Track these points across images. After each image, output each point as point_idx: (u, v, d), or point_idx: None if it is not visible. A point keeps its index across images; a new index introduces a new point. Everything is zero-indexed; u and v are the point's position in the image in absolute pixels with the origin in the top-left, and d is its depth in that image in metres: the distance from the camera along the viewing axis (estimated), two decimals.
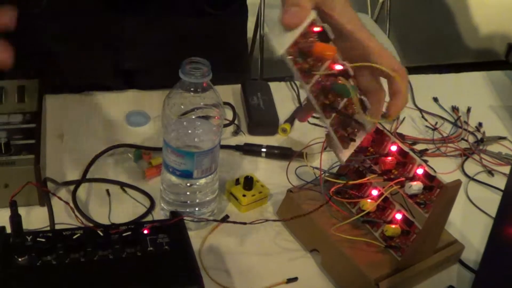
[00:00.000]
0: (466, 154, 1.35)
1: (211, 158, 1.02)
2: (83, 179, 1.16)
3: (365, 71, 0.94)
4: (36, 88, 1.25)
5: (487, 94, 1.61)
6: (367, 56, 0.92)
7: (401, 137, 1.35)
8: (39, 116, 1.18)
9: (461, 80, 1.68)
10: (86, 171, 1.17)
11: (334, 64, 0.90)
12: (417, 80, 1.60)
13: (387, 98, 0.97)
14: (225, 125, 1.31)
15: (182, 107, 0.98)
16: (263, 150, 1.25)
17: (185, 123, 0.99)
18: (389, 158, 1.00)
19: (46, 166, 1.18)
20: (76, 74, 1.39)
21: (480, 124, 1.45)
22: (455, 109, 1.49)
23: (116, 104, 1.36)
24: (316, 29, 0.89)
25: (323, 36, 0.89)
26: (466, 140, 1.40)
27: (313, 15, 0.88)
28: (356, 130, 0.97)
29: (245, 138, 1.30)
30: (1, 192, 1.06)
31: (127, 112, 1.33)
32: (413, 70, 2.92)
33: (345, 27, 0.92)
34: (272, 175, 1.21)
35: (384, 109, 0.96)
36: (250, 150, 1.26)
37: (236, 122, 1.33)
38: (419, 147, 1.35)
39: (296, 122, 1.35)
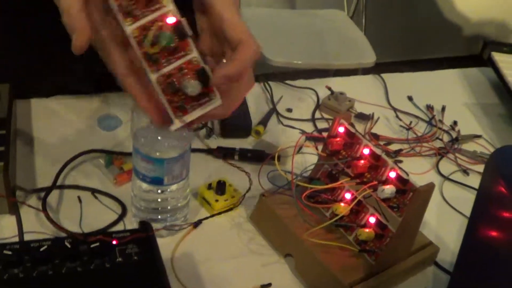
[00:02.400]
0: (440, 154, 1.35)
1: (181, 164, 1.01)
2: (54, 186, 1.14)
3: (214, 40, 0.91)
4: (6, 93, 1.23)
5: (462, 92, 1.62)
6: (221, 26, 0.87)
7: (375, 137, 1.35)
8: (9, 122, 1.16)
9: (436, 78, 1.69)
10: (56, 178, 1.15)
11: (166, 16, 0.82)
12: (391, 78, 1.60)
13: None
14: (198, 128, 1.30)
15: None
16: (236, 153, 1.24)
17: (154, 129, 0.97)
18: (362, 161, 0.99)
19: (16, 173, 1.16)
20: (46, 78, 1.37)
21: (455, 123, 1.45)
22: (429, 107, 1.49)
23: (87, 108, 1.35)
24: None
25: None
26: (441, 139, 1.40)
27: None
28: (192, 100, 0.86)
29: (218, 141, 1.29)
30: None
31: (99, 116, 1.31)
32: (390, 65, 2.93)
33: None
34: (245, 179, 1.20)
35: None
36: (223, 153, 1.25)
37: (209, 125, 1.32)
38: (393, 147, 1.34)
39: (270, 124, 1.34)
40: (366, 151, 1.00)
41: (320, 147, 1.11)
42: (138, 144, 0.99)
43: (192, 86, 0.84)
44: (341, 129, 1.03)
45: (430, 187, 0.94)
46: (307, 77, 1.55)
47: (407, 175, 0.95)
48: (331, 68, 2.90)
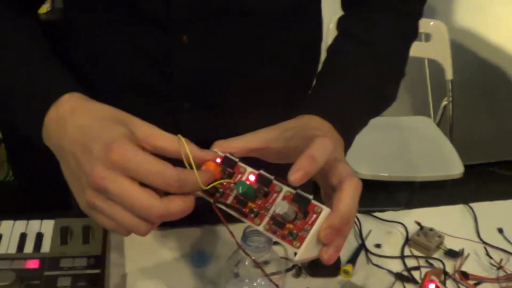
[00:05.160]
0: None
1: None
2: None
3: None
4: (101, 227, 1.25)
5: None
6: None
7: (465, 276, 1.33)
8: (103, 261, 1.19)
9: None
10: None
11: (247, 177, 0.92)
12: (480, 208, 1.57)
13: None
14: (288, 269, 1.30)
15: (243, 271, 0.98)
16: None
17: (245, 282, 0.99)
18: None
19: None
20: None
21: None
22: None
23: (178, 241, 1.37)
24: (218, 160, 0.93)
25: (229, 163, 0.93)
26: None
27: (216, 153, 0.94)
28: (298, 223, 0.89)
29: (307, 281, 1.29)
30: None
31: (191, 252, 1.34)
32: (479, 167, 2.86)
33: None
34: None
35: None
36: None
37: (299, 264, 1.32)
38: (484, 287, 1.32)
39: (358, 263, 1.34)
40: None
41: None
42: None
43: (280, 205, 0.88)
44: (431, 286, 1.03)
45: None
46: (388, 192, 1.53)
47: None
48: (417, 180, 2.89)
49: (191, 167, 0.89)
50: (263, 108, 1.23)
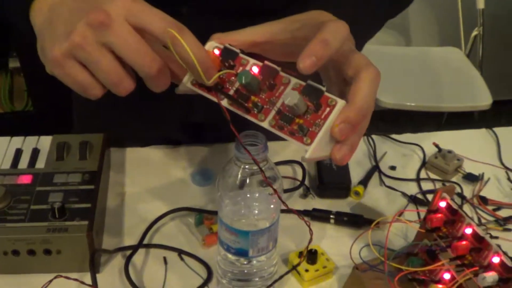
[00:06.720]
0: None
1: (268, 237, 0.94)
2: (140, 244, 1.10)
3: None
4: (100, 143, 1.20)
5: None
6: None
7: (484, 201, 1.25)
8: (98, 177, 1.13)
9: None
10: (143, 236, 1.11)
11: (252, 67, 0.84)
12: (504, 133, 1.48)
13: None
14: (294, 188, 1.24)
15: (237, 182, 0.91)
16: (332, 217, 1.17)
17: (240, 199, 0.92)
18: (464, 242, 0.91)
19: (103, 228, 1.13)
20: (142, 126, 1.35)
21: None
22: None
23: (181, 159, 1.31)
24: (216, 52, 0.87)
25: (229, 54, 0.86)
26: None
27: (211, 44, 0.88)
28: (309, 116, 0.79)
29: (315, 202, 1.23)
30: (53, 258, 1.02)
31: (192, 170, 1.28)
32: (507, 111, 2.74)
33: None
34: (340, 245, 1.12)
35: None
36: (318, 216, 1.18)
37: (306, 183, 1.25)
38: (503, 213, 1.24)
39: (371, 184, 1.27)
40: (468, 231, 0.91)
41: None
42: (223, 213, 0.94)
43: (290, 95, 0.78)
44: (442, 204, 0.96)
45: None
46: (414, 126, 1.46)
47: None
48: (444, 111, 2.80)
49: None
50: (266, 16, 1.15)
